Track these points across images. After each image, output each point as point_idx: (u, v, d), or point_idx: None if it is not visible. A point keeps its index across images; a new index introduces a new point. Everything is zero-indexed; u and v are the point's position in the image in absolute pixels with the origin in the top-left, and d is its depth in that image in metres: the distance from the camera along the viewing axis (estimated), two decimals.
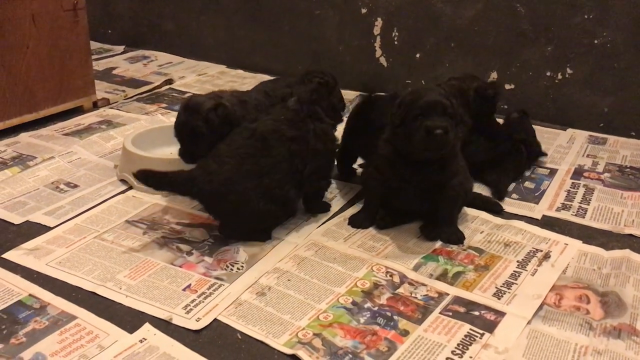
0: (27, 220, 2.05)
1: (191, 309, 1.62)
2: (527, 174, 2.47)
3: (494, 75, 3.12)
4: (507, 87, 3.11)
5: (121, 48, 4.26)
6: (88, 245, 1.91)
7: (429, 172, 1.88)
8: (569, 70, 2.96)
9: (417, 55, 3.29)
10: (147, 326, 1.55)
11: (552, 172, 2.50)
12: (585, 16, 2.85)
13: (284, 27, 3.68)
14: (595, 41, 2.86)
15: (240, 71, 3.79)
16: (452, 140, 1.80)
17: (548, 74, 3.01)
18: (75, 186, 2.29)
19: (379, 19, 3.34)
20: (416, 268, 1.82)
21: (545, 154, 2.60)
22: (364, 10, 3.37)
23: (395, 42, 3.34)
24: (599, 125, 2.95)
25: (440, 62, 3.23)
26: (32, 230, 2.00)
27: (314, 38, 3.59)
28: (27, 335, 1.51)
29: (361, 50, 3.44)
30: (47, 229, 2.00)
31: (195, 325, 1.56)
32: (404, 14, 3.26)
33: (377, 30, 3.37)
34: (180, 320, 1.58)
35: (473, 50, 3.14)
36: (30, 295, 1.66)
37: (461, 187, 1.96)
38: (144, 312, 1.61)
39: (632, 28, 2.78)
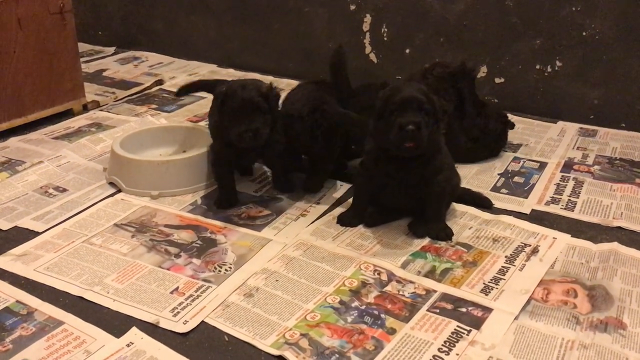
0: (15, 226, 2.05)
1: (178, 312, 1.62)
2: (517, 168, 2.47)
3: (484, 70, 3.11)
4: (497, 80, 3.10)
5: (112, 49, 4.25)
6: (76, 249, 1.91)
7: (413, 168, 1.88)
8: (558, 63, 2.96)
9: (407, 51, 3.29)
10: (134, 330, 1.55)
11: (542, 165, 2.50)
12: (573, 8, 2.84)
13: (274, 25, 3.67)
14: (584, 33, 2.86)
15: (231, 70, 3.78)
16: (425, 136, 1.80)
17: (537, 67, 3.00)
18: (64, 190, 2.29)
19: (368, 15, 3.33)
20: (404, 265, 1.82)
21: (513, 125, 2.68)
22: (352, 7, 3.36)
23: (385, 38, 3.33)
24: (589, 117, 2.95)
25: (430, 57, 3.21)
26: (21, 235, 2.00)
27: (304, 35, 3.58)
28: (14, 342, 1.51)
29: (351, 46, 3.42)
30: (35, 234, 2.00)
31: (182, 328, 1.56)
32: (393, 10, 3.25)
33: (366, 27, 3.36)
34: (168, 323, 1.58)
35: (462, 45, 3.13)
36: (17, 301, 1.66)
37: (447, 183, 1.96)
38: (131, 316, 1.61)
39: (620, 19, 2.77)
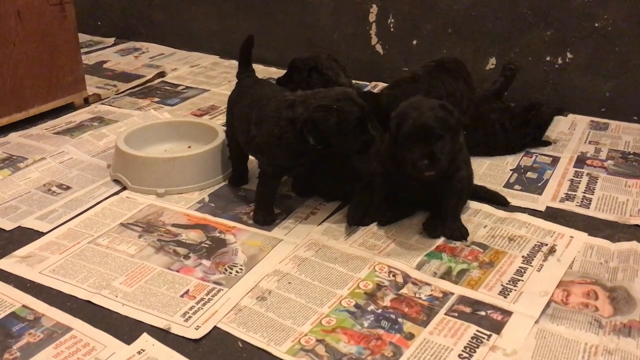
0: (19, 226, 2.00)
1: (190, 317, 1.57)
2: (529, 163, 2.42)
3: (492, 61, 3.06)
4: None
5: (111, 40, 4.17)
6: (82, 250, 1.86)
7: None
8: (569, 55, 2.90)
9: (414, 42, 3.23)
10: (145, 336, 1.50)
11: (555, 160, 2.45)
12: None
13: (277, 15, 3.60)
14: (596, 24, 2.80)
15: (233, 61, 3.69)
16: (445, 159, 1.75)
17: (548, 58, 2.95)
18: (68, 188, 2.24)
19: (374, 6, 3.26)
20: (419, 266, 1.78)
21: None
22: None
23: (391, 29, 3.26)
24: (600, 110, 2.89)
25: (438, 49, 3.16)
26: (25, 236, 1.94)
27: (308, 26, 3.51)
28: (22, 350, 1.46)
29: (356, 37, 3.37)
30: (39, 234, 1.95)
31: (194, 334, 1.52)
32: (400, 0, 3.18)
33: (372, 17, 3.29)
34: (179, 329, 1.53)
35: (471, 36, 3.07)
36: (23, 306, 1.61)
37: (466, 179, 1.93)
38: (141, 321, 1.56)
39: (633, 10, 2.71)
